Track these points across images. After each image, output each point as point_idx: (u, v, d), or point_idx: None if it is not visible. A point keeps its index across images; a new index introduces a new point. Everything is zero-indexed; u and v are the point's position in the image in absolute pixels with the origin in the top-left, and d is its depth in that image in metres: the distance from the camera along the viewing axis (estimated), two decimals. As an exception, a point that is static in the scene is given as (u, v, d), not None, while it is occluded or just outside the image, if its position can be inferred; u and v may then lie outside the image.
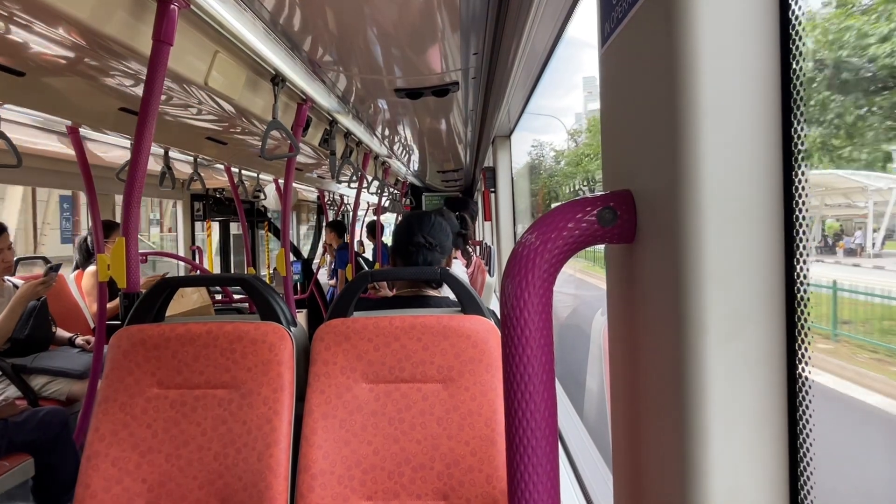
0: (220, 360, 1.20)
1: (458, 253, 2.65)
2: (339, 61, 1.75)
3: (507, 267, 0.44)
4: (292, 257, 3.57)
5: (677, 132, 0.37)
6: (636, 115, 0.45)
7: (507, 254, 3.39)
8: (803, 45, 0.37)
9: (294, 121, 2.02)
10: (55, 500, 2.10)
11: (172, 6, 1.15)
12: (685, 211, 0.37)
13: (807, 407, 0.38)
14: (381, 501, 1.14)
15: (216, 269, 5.15)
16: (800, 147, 0.37)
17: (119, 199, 3.46)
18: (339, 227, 5.09)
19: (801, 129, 0.37)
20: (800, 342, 0.38)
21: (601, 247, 0.50)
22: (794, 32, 0.37)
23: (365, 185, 3.61)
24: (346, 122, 2.52)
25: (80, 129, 2.10)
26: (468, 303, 1.26)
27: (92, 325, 3.02)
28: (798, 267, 0.38)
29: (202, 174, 2.95)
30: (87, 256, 3.10)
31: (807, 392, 0.38)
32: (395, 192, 5.83)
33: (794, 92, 0.37)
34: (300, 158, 3.33)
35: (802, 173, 0.37)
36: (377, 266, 4.92)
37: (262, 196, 4.10)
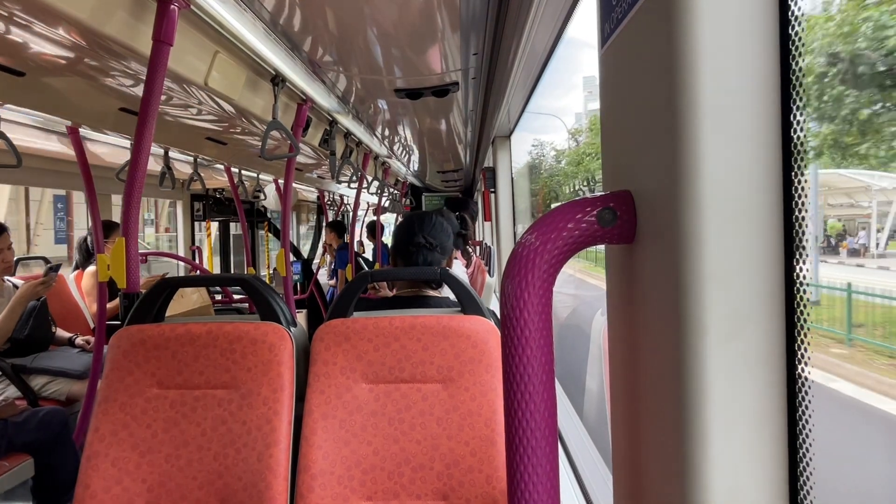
0: (220, 361, 1.20)
1: (458, 253, 2.65)
2: (339, 61, 1.75)
3: (507, 267, 0.44)
4: (292, 257, 3.57)
5: (677, 132, 0.37)
6: (636, 115, 0.45)
7: (506, 254, 3.39)
8: (803, 44, 0.37)
9: (294, 121, 2.02)
10: (55, 500, 2.10)
11: (172, 6, 1.15)
12: (685, 211, 0.37)
13: (806, 407, 0.38)
14: (380, 502, 1.14)
15: (216, 270, 5.15)
16: (799, 147, 0.37)
17: (115, 199, 3.47)
18: (339, 228, 5.09)
19: (801, 128, 0.37)
20: (799, 342, 0.38)
21: (601, 247, 0.50)
22: (793, 32, 0.37)
23: (365, 185, 3.61)
24: (346, 122, 2.52)
25: (79, 130, 2.10)
26: (468, 303, 1.26)
27: (92, 326, 3.02)
28: (798, 267, 0.38)
29: (202, 174, 2.95)
30: (86, 256, 3.10)
31: (806, 392, 0.38)
32: (395, 192, 5.83)
33: (794, 92, 0.37)
34: (300, 158, 3.33)
35: (802, 173, 0.37)
36: (377, 266, 4.93)
37: (262, 196, 4.10)
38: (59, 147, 2.48)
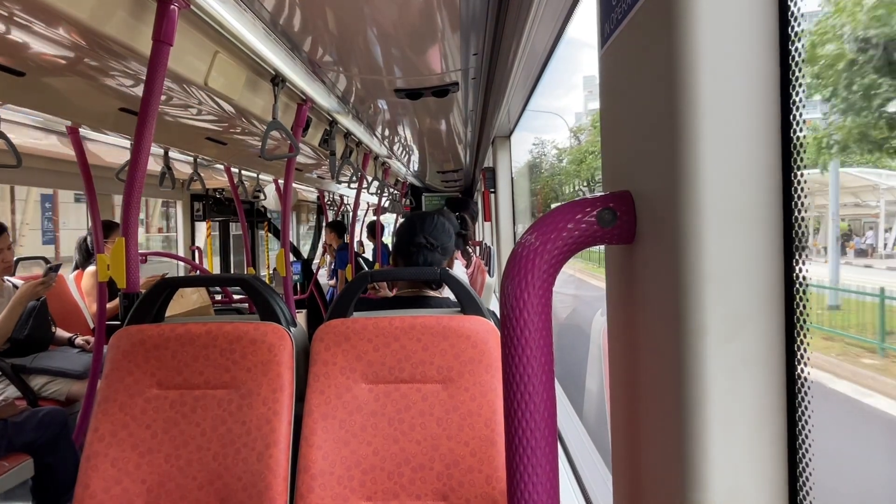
0: (220, 361, 1.20)
1: (458, 253, 2.65)
2: (339, 61, 1.75)
3: (507, 267, 0.44)
4: (292, 257, 3.57)
5: (677, 133, 0.37)
6: (636, 115, 0.45)
7: (506, 254, 3.39)
8: (803, 44, 0.37)
9: (294, 121, 2.02)
10: (54, 500, 2.10)
11: (172, 6, 1.15)
12: (685, 211, 0.37)
13: (806, 407, 0.38)
14: (380, 502, 1.14)
15: (216, 270, 5.15)
16: (799, 147, 0.37)
17: (113, 199, 3.47)
18: (339, 228, 5.09)
19: (801, 129, 0.37)
20: (799, 342, 0.38)
21: (601, 247, 0.50)
22: (793, 32, 0.37)
23: (365, 185, 3.61)
24: (346, 122, 2.52)
25: (79, 129, 2.10)
26: (468, 303, 1.26)
27: (91, 326, 3.02)
28: (797, 267, 0.38)
29: (202, 174, 2.95)
30: (86, 256, 3.10)
31: (806, 392, 0.38)
32: (395, 192, 5.83)
33: (794, 92, 0.37)
34: (300, 159, 3.33)
35: (802, 173, 0.37)
36: (377, 266, 4.93)
37: (262, 196, 4.10)
38: (58, 147, 2.48)
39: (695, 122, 0.37)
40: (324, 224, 5.78)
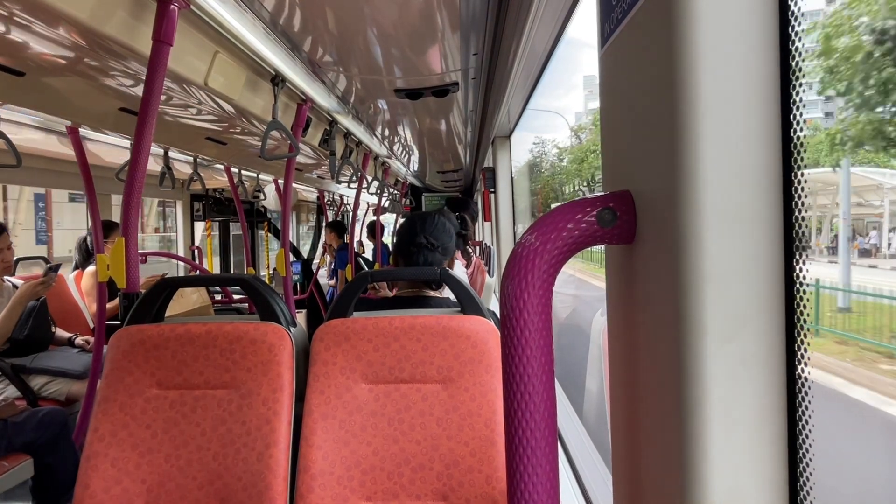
0: (220, 361, 1.20)
1: (458, 253, 2.65)
2: (339, 62, 1.75)
3: (507, 267, 0.44)
4: (292, 257, 3.57)
5: (677, 132, 0.37)
6: (636, 115, 0.45)
7: (506, 254, 3.39)
8: (803, 44, 0.37)
9: (294, 121, 2.02)
10: (54, 500, 2.10)
11: (172, 6, 1.15)
12: (685, 211, 0.37)
13: (806, 407, 0.38)
14: (380, 502, 1.14)
15: (216, 270, 5.15)
16: (799, 147, 0.37)
17: (110, 199, 3.46)
18: (339, 228, 5.09)
19: (801, 129, 0.37)
20: (799, 342, 0.38)
21: (601, 247, 0.50)
22: (793, 32, 0.37)
23: (365, 185, 3.61)
24: (346, 122, 2.52)
25: (79, 129, 2.10)
26: (468, 303, 1.26)
27: (91, 326, 3.02)
28: (797, 267, 0.38)
29: (202, 174, 2.95)
30: (86, 256, 3.10)
31: (806, 392, 0.38)
32: (395, 192, 5.83)
33: (794, 92, 0.37)
34: (300, 159, 3.33)
35: (802, 173, 0.37)
36: (377, 266, 4.93)
37: (262, 196, 4.10)
38: (58, 147, 2.48)
39: (695, 121, 0.37)
40: (324, 224, 5.78)
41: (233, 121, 2.16)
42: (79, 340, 2.72)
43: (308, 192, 6.11)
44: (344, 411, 1.18)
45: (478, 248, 4.67)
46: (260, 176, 3.96)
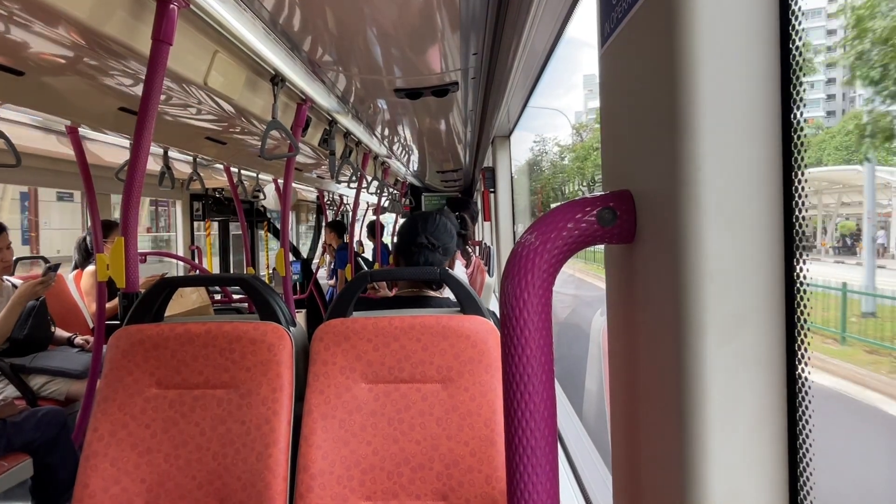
0: (219, 360, 1.20)
1: (458, 253, 2.65)
2: (339, 61, 1.75)
3: (507, 267, 0.44)
4: (291, 257, 3.56)
5: (677, 132, 0.37)
6: (636, 115, 0.45)
7: (506, 254, 3.39)
8: (803, 43, 0.37)
9: (293, 121, 2.02)
10: (54, 500, 2.10)
11: (172, 6, 1.15)
12: (685, 211, 0.37)
13: (806, 407, 0.38)
14: (380, 502, 1.14)
15: (215, 269, 5.14)
16: (799, 147, 0.37)
17: (109, 198, 3.46)
18: (339, 227, 5.08)
19: (801, 128, 0.37)
20: (799, 342, 0.38)
21: (601, 247, 0.50)
22: (793, 32, 0.37)
23: (364, 185, 3.61)
24: (346, 122, 2.52)
25: (79, 129, 2.10)
26: (468, 303, 1.26)
27: (91, 325, 3.02)
28: (798, 267, 0.38)
29: (201, 174, 2.95)
30: (86, 256, 3.10)
31: (806, 392, 0.38)
32: (395, 192, 5.83)
33: (794, 92, 0.37)
34: (300, 158, 3.33)
35: (802, 173, 0.37)
36: (377, 266, 4.93)
37: (262, 196, 4.09)
38: (58, 147, 2.48)
39: (695, 121, 0.37)
40: (323, 224, 5.78)
41: (232, 120, 2.16)
42: (78, 340, 2.71)
43: (308, 192, 6.11)
44: (343, 411, 1.18)
45: (477, 247, 4.67)
46: (259, 176, 3.96)
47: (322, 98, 2.05)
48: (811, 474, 0.38)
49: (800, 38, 0.37)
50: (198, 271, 3.74)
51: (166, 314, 1.33)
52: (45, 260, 2.85)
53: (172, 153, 2.74)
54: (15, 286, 2.41)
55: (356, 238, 5.05)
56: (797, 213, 0.38)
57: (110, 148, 2.66)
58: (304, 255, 6.25)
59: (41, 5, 1.01)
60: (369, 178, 3.77)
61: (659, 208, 0.41)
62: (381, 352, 1.21)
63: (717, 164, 0.37)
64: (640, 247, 0.45)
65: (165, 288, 1.29)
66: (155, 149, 2.58)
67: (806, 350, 0.38)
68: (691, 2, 0.36)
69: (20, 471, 1.99)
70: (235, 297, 3.85)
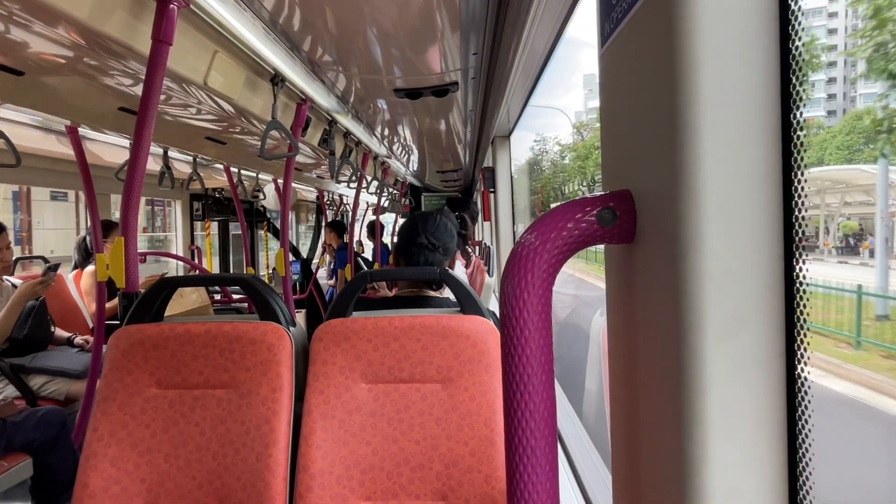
0: (219, 360, 1.20)
1: (458, 253, 2.65)
2: (339, 61, 1.75)
3: (507, 267, 0.44)
4: (291, 257, 3.56)
5: (677, 132, 0.37)
6: (636, 115, 0.45)
7: (506, 254, 3.39)
8: (803, 44, 0.37)
9: (293, 121, 2.02)
10: (54, 500, 2.10)
11: (172, 6, 1.15)
12: (685, 211, 0.37)
13: (806, 407, 0.38)
14: (379, 501, 1.14)
15: (215, 269, 5.14)
16: (799, 147, 0.37)
17: (109, 198, 3.46)
18: (339, 227, 5.08)
19: (801, 128, 0.37)
20: (799, 342, 0.38)
21: (601, 247, 0.50)
22: (793, 32, 0.37)
23: (364, 185, 3.61)
24: (346, 121, 2.52)
25: (78, 129, 2.09)
26: (467, 303, 1.26)
27: (90, 325, 3.02)
28: (797, 267, 0.38)
29: (201, 174, 2.95)
30: (85, 256, 3.10)
31: (806, 392, 0.38)
32: (395, 192, 5.83)
33: (794, 92, 0.37)
34: (299, 158, 3.33)
35: (802, 173, 0.37)
36: (376, 266, 4.92)
37: (262, 196, 4.09)
38: (57, 146, 2.48)
39: (695, 121, 0.37)
40: (323, 224, 5.78)
41: (232, 120, 2.16)
42: (78, 340, 2.71)
43: (307, 192, 6.11)
44: (343, 411, 1.18)
45: (477, 247, 4.67)
46: (259, 175, 3.96)
47: (322, 98, 2.05)
48: (811, 474, 0.38)
49: (800, 38, 0.37)
50: (198, 271, 3.74)
51: (166, 314, 1.33)
52: (45, 260, 2.85)
53: (172, 153, 2.74)
54: (15, 286, 2.41)
55: (356, 238, 5.05)
56: (797, 213, 0.38)
57: (110, 148, 2.66)
58: (304, 255, 6.25)
59: (41, 5, 1.01)
60: (369, 178, 3.77)
61: (659, 208, 0.41)
62: (380, 352, 1.21)
63: (717, 164, 0.37)
64: (640, 247, 0.45)
65: (165, 288, 1.29)
66: (155, 149, 2.58)
67: (805, 350, 0.38)
68: (691, 2, 0.36)
69: (20, 471, 1.99)
70: (235, 297, 3.85)
